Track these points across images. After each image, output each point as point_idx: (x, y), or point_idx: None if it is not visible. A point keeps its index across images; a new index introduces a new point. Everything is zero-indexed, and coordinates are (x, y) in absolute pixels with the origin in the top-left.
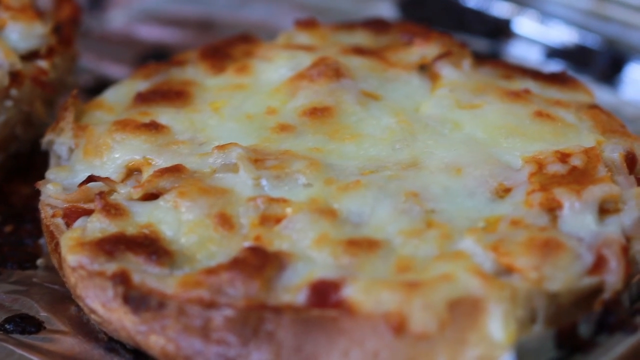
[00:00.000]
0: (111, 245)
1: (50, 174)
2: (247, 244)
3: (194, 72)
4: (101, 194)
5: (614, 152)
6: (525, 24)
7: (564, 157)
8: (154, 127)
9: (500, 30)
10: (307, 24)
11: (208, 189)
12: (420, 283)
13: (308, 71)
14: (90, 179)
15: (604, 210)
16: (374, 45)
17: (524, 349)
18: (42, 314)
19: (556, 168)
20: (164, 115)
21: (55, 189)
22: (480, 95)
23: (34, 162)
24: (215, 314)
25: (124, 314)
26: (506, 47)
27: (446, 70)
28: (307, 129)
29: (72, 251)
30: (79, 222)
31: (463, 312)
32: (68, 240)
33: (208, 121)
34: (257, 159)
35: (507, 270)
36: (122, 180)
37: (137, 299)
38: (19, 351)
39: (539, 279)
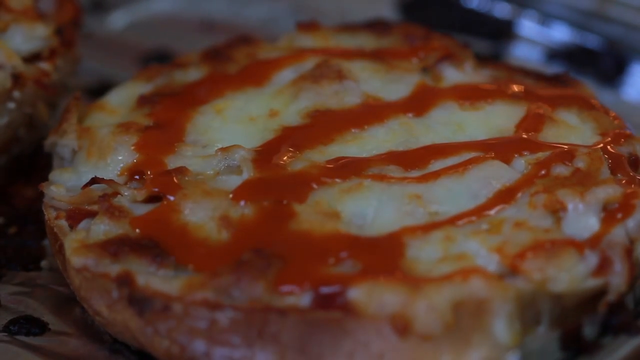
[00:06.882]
0: (115, 247)
1: (53, 175)
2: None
3: (197, 75)
4: (104, 196)
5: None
6: (526, 25)
7: (567, 158)
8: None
9: (502, 31)
10: (309, 26)
11: (211, 191)
12: (424, 285)
13: (311, 73)
14: (94, 180)
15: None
16: (376, 46)
17: (528, 350)
18: (47, 316)
19: (559, 170)
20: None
21: (58, 191)
22: (483, 97)
23: (37, 164)
24: (220, 316)
25: (129, 315)
26: (508, 49)
27: (448, 72)
28: None
29: (76, 253)
30: (82, 224)
31: (468, 313)
32: (72, 242)
33: (211, 123)
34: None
35: (511, 272)
36: (126, 182)
37: (141, 300)
38: (24, 353)
39: (543, 281)
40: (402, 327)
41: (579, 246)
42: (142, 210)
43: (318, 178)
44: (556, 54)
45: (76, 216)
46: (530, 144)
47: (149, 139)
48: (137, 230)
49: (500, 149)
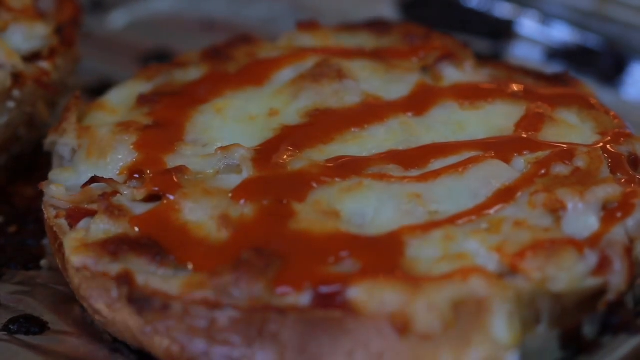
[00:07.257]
0: (115, 246)
1: (53, 175)
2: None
3: (197, 74)
4: (104, 195)
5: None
6: (527, 25)
7: (566, 158)
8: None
9: (502, 31)
10: (309, 26)
11: (211, 191)
12: (424, 284)
13: (311, 72)
14: (94, 179)
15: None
16: (376, 46)
17: (528, 349)
18: (47, 315)
19: (559, 169)
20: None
21: (58, 190)
22: (483, 96)
23: (37, 163)
24: (220, 315)
25: (128, 315)
26: (508, 48)
27: (448, 71)
28: None
29: (76, 252)
30: (82, 223)
31: (467, 312)
32: (72, 241)
33: (211, 122)
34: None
35: (511, 271)
36: (125, 182)
37: (141, 300)
38: (24, 352)
39: (543, 280)
40: (402, 326)
41: (578, 245)
42: (141, 209)
43: (318, 177)
44: (556, 53)
45: (76, 215)
46: (530, 143)
47: (149, 138)
48: (137, 229)
49: (500, 148)
